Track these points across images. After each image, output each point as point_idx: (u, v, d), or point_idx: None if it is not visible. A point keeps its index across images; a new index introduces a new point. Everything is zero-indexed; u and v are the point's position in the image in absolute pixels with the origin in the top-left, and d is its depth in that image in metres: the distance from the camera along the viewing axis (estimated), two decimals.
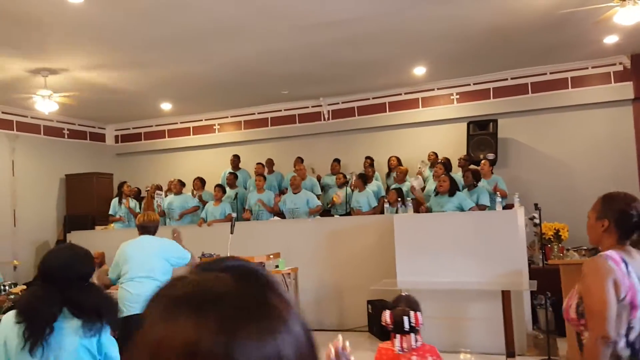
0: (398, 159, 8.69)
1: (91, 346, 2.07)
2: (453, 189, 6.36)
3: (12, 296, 6.43)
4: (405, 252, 5.95)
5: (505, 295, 5.18)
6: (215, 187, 8.29)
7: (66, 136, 10.27)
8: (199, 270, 0.60)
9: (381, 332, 6.18)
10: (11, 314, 2.09)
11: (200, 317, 0.53)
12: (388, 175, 8.78)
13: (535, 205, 6.62)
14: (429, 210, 6.60)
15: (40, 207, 9.58)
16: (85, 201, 9.76)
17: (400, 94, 9.31)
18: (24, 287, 7.06)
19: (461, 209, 6.25)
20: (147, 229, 4.49)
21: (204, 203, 8.49)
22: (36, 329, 1.99)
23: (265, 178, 8.30)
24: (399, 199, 7.00)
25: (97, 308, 2.07)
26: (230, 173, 9.08)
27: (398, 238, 6.03)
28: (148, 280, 4.25)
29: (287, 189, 8.51)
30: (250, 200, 8.15)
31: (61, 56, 6.65)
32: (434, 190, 6.76)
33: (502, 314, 5.16)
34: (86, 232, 8.70)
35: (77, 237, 8.49)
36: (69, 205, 9.98)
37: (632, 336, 1.98)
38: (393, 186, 7.92)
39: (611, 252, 2.05)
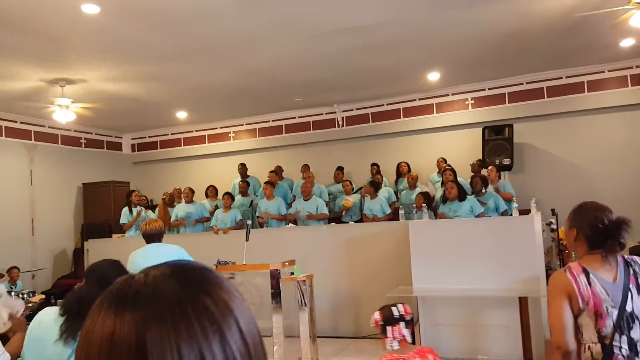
0: (408, 165, 8.66)
1: None
2: (462, 194, 6.34)
3: (30, 304, 6.52)
4: (421, 259, 5.91)
5: (523, 302, 5.12)
6: (223, 195, 8.34)
7: (83, 145, 10.41)
8: (146, 269, 0.61)
9: None
10: (47, 311, 2.25)
11: (117, 313, 0.55)
12: (397, 181, 8.75)
13: (552, 210, 6.54)
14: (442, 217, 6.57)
15: (58, 215, 9.71)
16: (103, 209, 9.86)
17: (415, 100, 9.29)
18: (43, 296, 7.15)
19: (472, 212, 6.24)
20: (152, 237, 4.50)
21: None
22: (74, 323, 2.12)
23: (273, 186, 8.31)
24: (424, 204, 6.90)
25: None
26: (241, 181, 9.13)
27: (413, 244, 5.99)
28: None
29: (295, 196, 8.55)
30: (260, 207, 8.19)
31: (78, 66, 6.75)
32: (442, 197, 6.74)
33: (520, 321, 5.10)
34: (103, 240, 8.78)
35: (95, 246, 8.58)
36: (87, 213, 10.10)
37: (607, 342, 2.04)
38: (417, 191, 7.82)
39: (573, 264, 2.14)
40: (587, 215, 2.15)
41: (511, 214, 6.14)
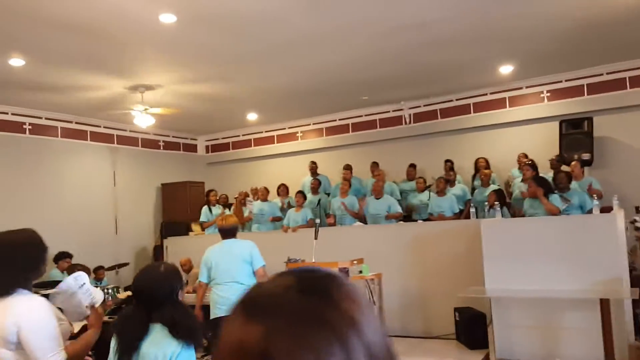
0: (487, 161, 8.40)
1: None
2: (544, 191, 6.03)
3: (116, 300, 6.95)
4: (494, 259, 5.75)
5: (604, 304, 4.86)
6: (296, 194, 8.49)
7: (162, 147, 10.95)
8: (275, 276, 0.63)
9: (469, 341, 6.02)
10: None
11: (246, 322, 0.57)
12: (474, 177, 8.50)
13: (637, 208, 6.16)
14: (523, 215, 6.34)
15: (139, 214, 10.27)
16: (180, 208, 10.33)
17: (486, 94, 9.03)
18: (129, 292, 7.59)
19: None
20: (227, 232, 4.74)
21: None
22: (125, 345, 2.18)
23: (350, 184, 8.37)
24: (497, 202, 6.67)
25: (177, 326, 2.15)
26: (313, 179, 9.24)
27: (486, 244, 5.84)
28: (234, 284, 4.56)
29: (365, 195, 8.55)
30: (333, 204, 8.25)
31: (156, 73, 7.11)
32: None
33: (601, 324, 4.85)
34: (181, 237, 9.19)
35: (173, 243, 9.01)
36: (165, 212, 10.61)
37: None
38: (491, 188, 7.56)
39: None
40: None
41: (591, 211, 5.83)
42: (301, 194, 8.49)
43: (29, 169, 8.44)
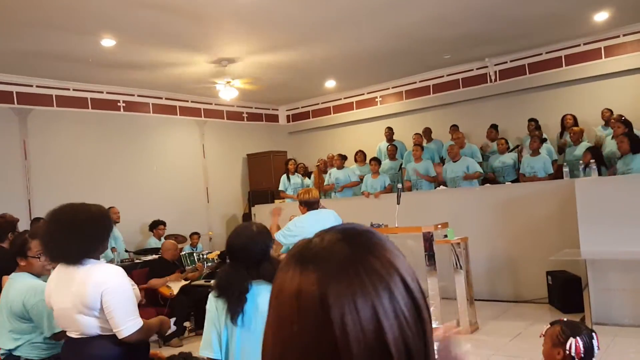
0: (574, 118, 7.89)
1: None
2: (635, 147, 5.61)
3: (209, 263, 7.34)
4: (590, 220, 5.44)
5: None
6: (370, 161, 8.48)
7: (245, 119, 11.27)
8: (320, 233, 0.70)
9: (563, 305, 5.80)
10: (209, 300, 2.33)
11: (302, 272, 0.65)
12: (561, 135, 8.02)
13: None
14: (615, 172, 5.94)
15: (228, 184, 10.72)
16: (265, 177, 10.67)
17: (579, 45, 8.40)
18: (218, 252, 8.00)
19: None
20: (313, 204, 4.78)
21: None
22: (233, 301, 2.21)
23: (422, 148, 8.24)
24: (592, 160, 6.28)
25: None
26: (390, 145, 9.17)
27: (581, 204, 5.53)
28: None
29: (444, 157, 8.39)
30: (408, 170, 8.21)
31: (237, 46, 7.26)
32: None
33: None
34: (267, 205, 9.50)
35: (260, 210, 9.35)
36: (252, 181, 11.01)
37: None
38: (583, 146, 7.18)
39: None
40: None
41: None
42: (376, 160, 8.48)
43: (124, 144, 9.03)
